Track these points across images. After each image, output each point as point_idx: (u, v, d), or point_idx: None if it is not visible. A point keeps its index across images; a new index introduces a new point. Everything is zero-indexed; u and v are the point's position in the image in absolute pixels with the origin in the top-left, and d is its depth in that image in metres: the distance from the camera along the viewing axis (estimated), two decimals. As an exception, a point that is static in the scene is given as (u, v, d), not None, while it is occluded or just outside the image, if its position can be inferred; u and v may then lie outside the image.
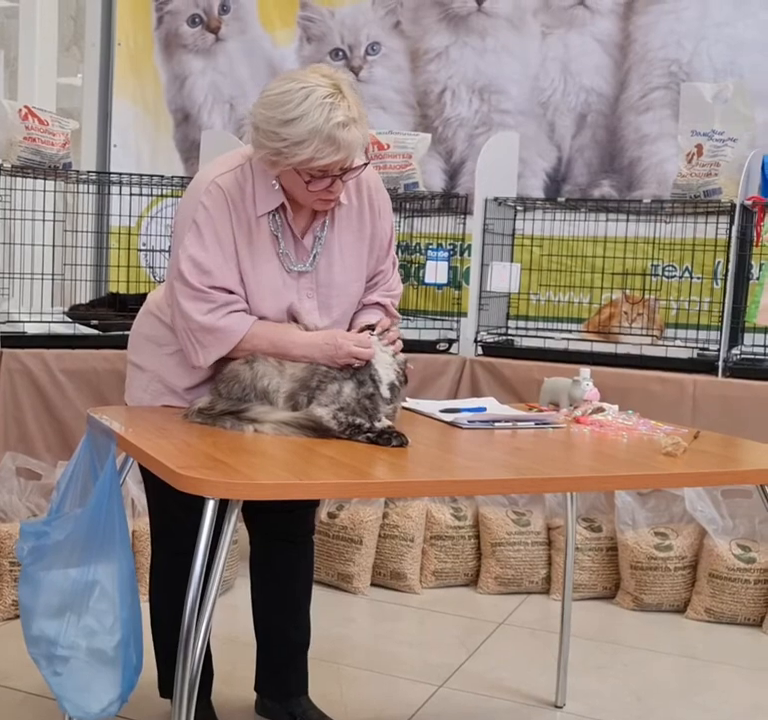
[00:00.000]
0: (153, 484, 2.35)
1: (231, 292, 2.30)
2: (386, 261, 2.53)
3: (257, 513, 2.48)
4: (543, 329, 4.23)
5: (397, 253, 4.36)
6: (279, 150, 2.17)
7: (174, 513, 2.22)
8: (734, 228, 3.70)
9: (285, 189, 2.31)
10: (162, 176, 4.11)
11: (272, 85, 2.21)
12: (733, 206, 3.70)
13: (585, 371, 2.72)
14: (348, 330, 2.43)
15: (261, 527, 2.58)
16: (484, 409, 2.65)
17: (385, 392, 2.28)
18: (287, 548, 2.59)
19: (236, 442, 2.15)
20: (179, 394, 2.44)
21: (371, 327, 2.37)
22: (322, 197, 2.28)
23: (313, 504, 2.70)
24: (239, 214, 2.29)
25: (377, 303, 2.52)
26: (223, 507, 1.85)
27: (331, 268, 2.40)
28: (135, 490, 3.42)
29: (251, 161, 2.32)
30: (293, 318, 2.38)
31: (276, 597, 2.60)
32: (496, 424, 2.45)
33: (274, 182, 2.30)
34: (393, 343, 2.35)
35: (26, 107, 3.90)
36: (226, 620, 3.13)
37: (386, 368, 2.30)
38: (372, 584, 3.77)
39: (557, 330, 4.20)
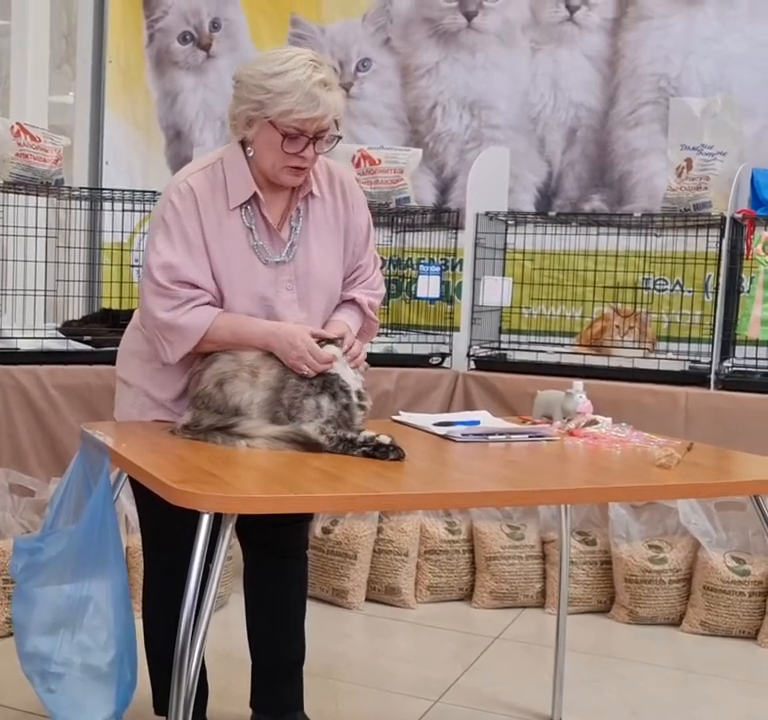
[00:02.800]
0: (144, 500, 2.35)
1: (196, 286, 2.31)
2: (364, 256, 2.53)
3: (250, 528, 2.48)
4: (535, 343, 4.24)
5: (389, 267, 4.39)
6: (261, 102, 2.24)
7: (167, 529, 2.21)
8: (724, 241, 3.72)
9: (257, 160, 2.33)
10: (154, 192, 4.11)
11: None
12: (723, 219, 3.72)
13: (578, 384, 2.73)
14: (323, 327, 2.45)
15: (254, 542, 2.57)
16: (478, 422, 2.65)
17: (355, 399, 2.31)
18: (281, 563, 2.58)
19: (230, 456, 2.15)
20: (167, 407, 2.44)
21: (331, 341, 2.35)
22: (293, 164, 2.30)
23: (306, 518, 2.69)
24: (208, 211, 2.33)
25: (354, 300, 2.51)
26: (217, 522, 1.85)
27: (309, 259, 2.41)
28: (129, 506, 3.41)
29: (223, 159, 2.37)
30: (270, 313, 2.37)
31: (270, 613, 2.59)
32: (490, 437, 2.46)
33: (246, 154, 2.34)
34: (355, 358, 2.38)
35: (18, 124, 3.91)
36: (221, 636, 3.11)
37: (351, 377, 2.33)
38: (367, 599, 3.76)
39: (549, 344, 4.21)
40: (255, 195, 2.36)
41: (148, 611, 2.55)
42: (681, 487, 2.19)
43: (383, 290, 2.61)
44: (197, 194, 2.33)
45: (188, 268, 2.31)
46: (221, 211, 2.34)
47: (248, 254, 2.36)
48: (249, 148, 2.35)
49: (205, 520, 1.84)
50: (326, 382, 2.30)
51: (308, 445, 2.19)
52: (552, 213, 4.33)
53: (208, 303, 2.34)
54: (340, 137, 2.35)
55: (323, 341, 2.34)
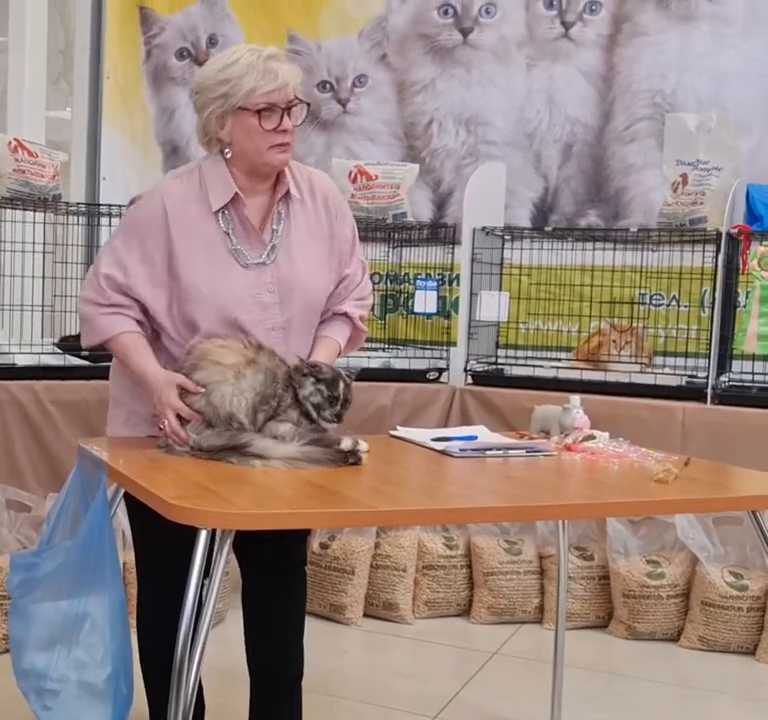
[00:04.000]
0: (140, 516, 2.34)
1: (127, 295, 2.36)
2: (351, 263, 2.54)
3: (247, 543, 2.47)
4: (532, 357, 4.25)
5: (385, 282, 4.39)
6: (225, 93, 2.30)
7: (162, 545, 2.21)
8: (720, 256, 3.73)
9: (241, 153, 2.35)
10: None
11: None
12: (719, 235, 3.73)
13: (575, 399, 2.72)
14: (312, 343, 2.49)
15: (252, 558, 2.56)
16: (475, 437, 2.65)
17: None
18: (279, 580, 2.56)
19: (228, 472, 2.14)
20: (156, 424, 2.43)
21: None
22: (277, 141, 2.33)
23: (304, 534, 2.69)
24: (178, 221, 2.35)
25: (346, 314, 2.52)
26: (213, 538, 1.85)
27: (291, 261, 2.42)
28: (126, 521, 3.40)
29: (201, 166, 2.41)
30: (250, 317, 2.38)
31: (268, 629, 2.58)
32: (488, 452, 2.46)
33: (224, 157, 2.36)
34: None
35: (15, 139, 3.91)
36: (218, 652, 3.09)
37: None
38: (364, 615, 3.75)
39: (546, 359, 4.21)
40: (235, 197, 2.37)
41: (142, 625, 2.54)
42: (679, 502, 2.19)
43: (371, 299, 2.63)
44: (167, 203, 2.35)
45: (132, 276, 2.35)
46: (195, 219, 2.36)
47: (226, 258, 2.38)
48: (227, 150, 2.37)
49: (203, 536, 1.84)
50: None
51: (333, 460, 2.21)
52: (548, 228, 4.34)
53: (130, 316, 2.38)
54: (308, 103, 2.40)
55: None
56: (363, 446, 2.26)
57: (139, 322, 2.40)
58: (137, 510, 2.13)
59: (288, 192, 2.43)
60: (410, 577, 3.76)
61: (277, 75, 2.30)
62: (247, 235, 2.40)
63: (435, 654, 3.50)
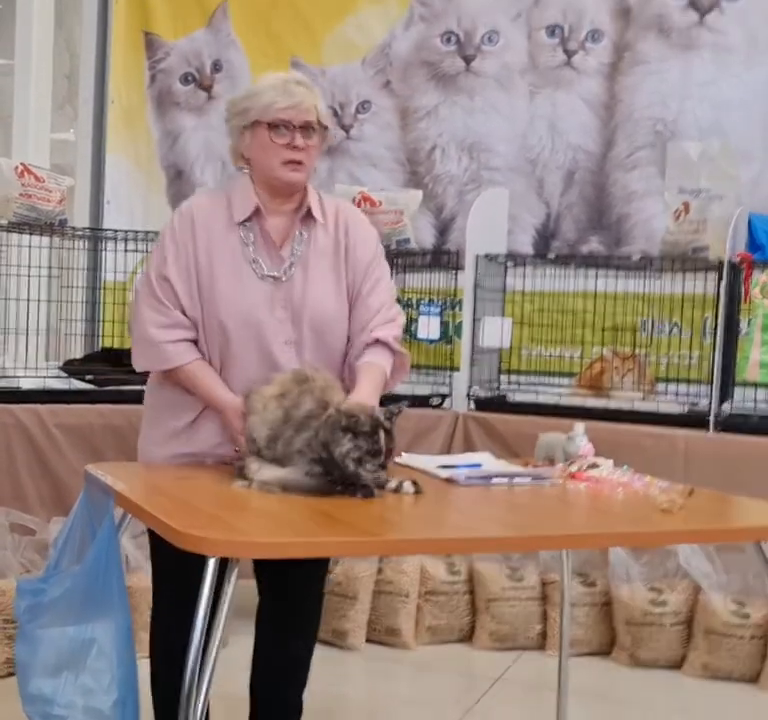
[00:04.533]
0: (158, 539, 2.35)
1: (182, 308, 2.41)
2: (363, 286, 2.51)
3: (268, 572, 2.48)
4: (535, 384, 4.26)
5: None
6: (246, 108, 2.41)
7: (179, 569, 2.22)
8: (723, 284, 3.75)
9: (257, 168, 2.44)
10: (156, 232, 4.14)
11: None
12: (721, 263, 3.76)
13: (579, 427, 2.73)
14: (350, 373, 2.48)
15: (271, 587, 2.57)
16: (480, 465, 2.66)
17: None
18: (295, 610, 2.57)
19: (235, 500, 2.15)
20: (183, 437, 2.47)
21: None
22: (288, 157, 2.39)
23: (323, 565, 2.68)
24: (203, 229, 2.43)
25: (378, 341, 2.49)
26: (223, 566, 1.85)
27: (306, 283, 2.45)
28: (130, 546, 3.41)
29: (229, 185, 2.53)
30: (260, 331, 2.41)
31: (279, 659, 2.58)
32: (493, 480, 2.46)
33: (246, 173, 2.46)
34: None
35: (22, 164, 3.93)
36: (221, 676, 3.09)
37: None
38: (367, 640, 3.74)
39: (548, 385, 4.22)
40: (257, 211, 2.44)
41: (155, 652, 2.55)
42: (685, 533, 2.20)
43: (402, 319, 2.59)
44: (195, 213, 2.45)
45: (180, 287, 2.41)
46: (219, 228, 2.44)
47: (243, 267, 2.43)
48: (249, 166, 2.46)
49: (212, 564, 1.85)
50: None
51: (304, 491, 2.19)
52: (551, 255, 4.36)
53: (192, 340, 2.43)
54: (327, 127, 2.47)
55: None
56: (408, 488, 2.22)
57: (195, 343, 2.45)
58: (156, 534, 2.14)
59: (310, 214, 2.48)
60: (412, 603, 3.76)
61: (294, 94, 2.40)
62: (267, 249, 2.45)
63: (437, 680, 3.49)
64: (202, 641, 1.86)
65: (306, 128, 2.41)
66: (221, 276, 2.41)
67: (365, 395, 2.35)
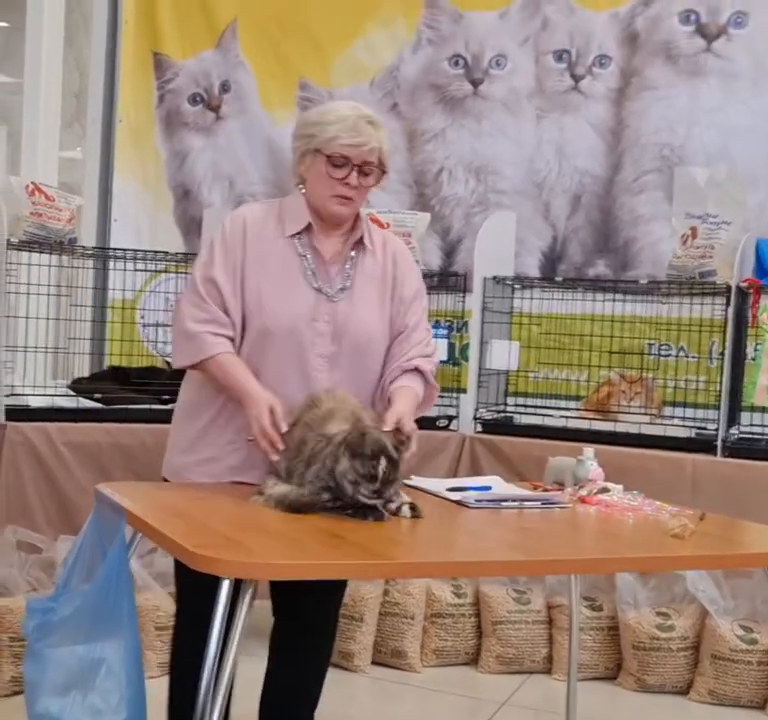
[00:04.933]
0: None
1: (226, 308, 2.44)
2: (410, 317, 2.57)
3: (282, 593, 2.48)
4: (542, 407, 4.26)
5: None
6: (312, 134, 2.44)
7: (193, 587, 2.22)
8: (730, 309, 3.76)
9: (309, 194, 2.49)
10: (166, 253, 4.17)
11: None
12: (729, 288, 3.77)
13: (589, 451, 2.74)
14: (383, 393, 2.51)
15: (285, 607, 2.57)
16: (490, 488, 2.66)
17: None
18: (311, 635, 2.58)
19: (248, 521, 2.16)
20: (202, 439, 2.50)
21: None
22: (340, 192, 2.43)
23: (336, 588, 2.69)
24: (255, 237, 2.47)
25: (417, 369, 2.53)
26: (237, 587, 1.85)
27: (352, 304, 2.49)
28: (136, 566, 3.40)
29: (283, 198, 2.58)
30: (300, 340, 2.43)
31: (292, 679, 2.59)
32: (503, 504, 2.47)
33: (301, 192, 2.50)
34: (406, 440, 2.34)
35: (33, 183, 3.95)
36: (233, 696, 3.08)
37: None
38: (373, 662, 3.73)
39: (555, 408, 4.23)
40: (309, 228, 2.48)
41: (173, 670, 2.57)
42: (695, 558, 2.21)
43: (437, 359, 2.68)
44: (248, 221, 2.49)
45: (225, 288, 2.44)
46: (270, 237, 2.48)
47: (296, 277, 2.47)
48: (302, 186, 2.51)
49: (225, 585, 1.85)
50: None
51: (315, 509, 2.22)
52: (558, 278, 4.37)
53: (229, 337, 2.45)
54: (386, 172, 2.50)
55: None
56: (405, 511, 2.24)
57: (232, 341, 2.47)
58: None
59: (362, 240, 2.52)
60: (418, 625, 3.75)
61: (361, 132, 2.41)
62: (318, 264, 2.49)
63: (443, 703, 3.48)
64: (216, 661, 1.86)
65: (363, 167, 2.43)
66: (271, 283, 2.45)
67: (405, 409, 2.40)
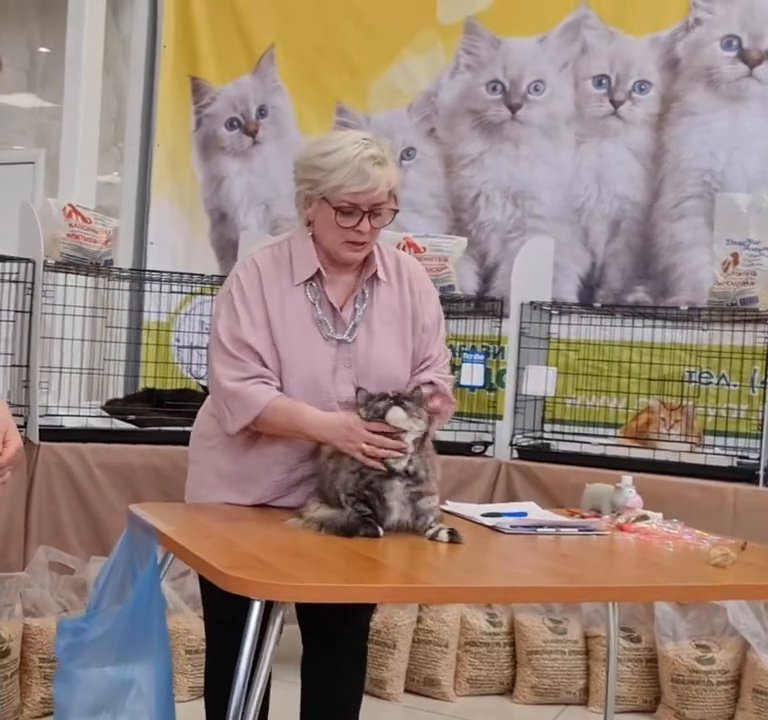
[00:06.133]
0: (205, 580, 2.33)
1: (263, 362, 2.36)
2: (433, 346, 2.52)
3: (310, 615, 2.45)
4: (579, 433, 4.21)
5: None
6: (315, 180, 2.32)
7: (223, 609, 2.19)
8: (772, 336, 3.71)
9: (318, 238, 2.40)
10: (202, 275, 4.18)
11: None
12: (771, 315, 3.72)
13: (627, 478, 2.70)
14: None
15: (314, 630, 2.54)
16: (526, 514, 2.63)
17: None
18: (339, 653, 2.54)
19: (280, 543, 2.14)
20: (234, 485, 2.45)
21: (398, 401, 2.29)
22: (351, 239, 2.35)
23: (366, 610, 2.65)
24: (271, 286, 2.39)
25: (431, 383, 2.48)
26: (268, 609, 1.83)
27: (371, 341, 2.42)
28: (167, 588, 3.38)
29: (291, 239, 2.45)
30: (324, 389, 2.38)
31: (325, 703, 2.55)
32: (539, 530, 2.43)
33: (309, 234, 2.40)
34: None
35: (70, 205, 3.97)
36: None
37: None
38: (405, 690, 3.67)
39: (593, 434, 4.17)
40: (318, 273, 2.41)
41: (208, 689, 2.55)
42: (738, 588, 2.15)
43: (453, 378, 2.63)
44: (261, 270, 2.40)
45: (253, 339, 2.36)
46: (285, 286, 2.40)
47: (310, 327, 2.40)
48: (309, 228, 2.41)
49: (256, 607, 1.83)
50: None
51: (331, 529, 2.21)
52: (597, 304, 4.33)
53: (273, 384, 2.37)
54: (397, 210, 2.39)
55: (388, 401, 2.26)
56: (443, 536, 2.22)
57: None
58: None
59: (375, 274, 2.44)
60: (452, 653, 3.69)
61: (367, 177, 2.28)
62: (331, 310, 2.42)
63: (476, 734, 3.42)
64: (246, 684, 1.83)
65: (376, 212, 2.34)
66: (288, 335, 2.38)
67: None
